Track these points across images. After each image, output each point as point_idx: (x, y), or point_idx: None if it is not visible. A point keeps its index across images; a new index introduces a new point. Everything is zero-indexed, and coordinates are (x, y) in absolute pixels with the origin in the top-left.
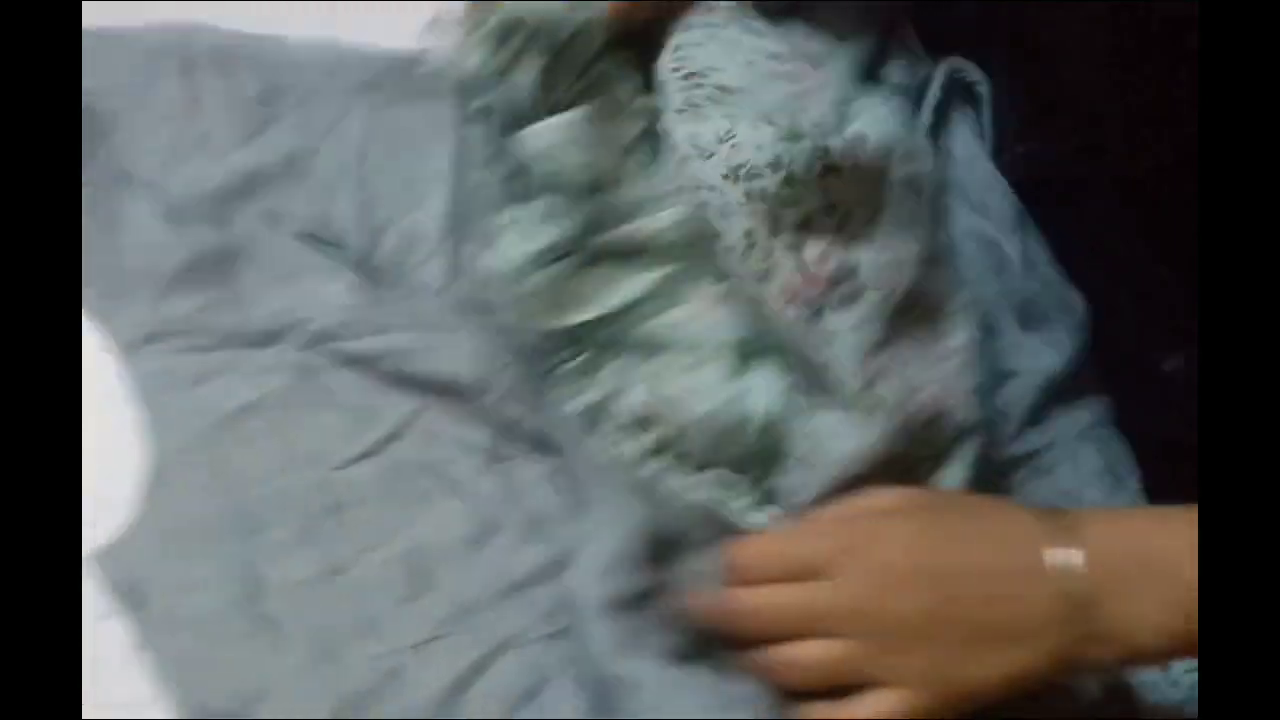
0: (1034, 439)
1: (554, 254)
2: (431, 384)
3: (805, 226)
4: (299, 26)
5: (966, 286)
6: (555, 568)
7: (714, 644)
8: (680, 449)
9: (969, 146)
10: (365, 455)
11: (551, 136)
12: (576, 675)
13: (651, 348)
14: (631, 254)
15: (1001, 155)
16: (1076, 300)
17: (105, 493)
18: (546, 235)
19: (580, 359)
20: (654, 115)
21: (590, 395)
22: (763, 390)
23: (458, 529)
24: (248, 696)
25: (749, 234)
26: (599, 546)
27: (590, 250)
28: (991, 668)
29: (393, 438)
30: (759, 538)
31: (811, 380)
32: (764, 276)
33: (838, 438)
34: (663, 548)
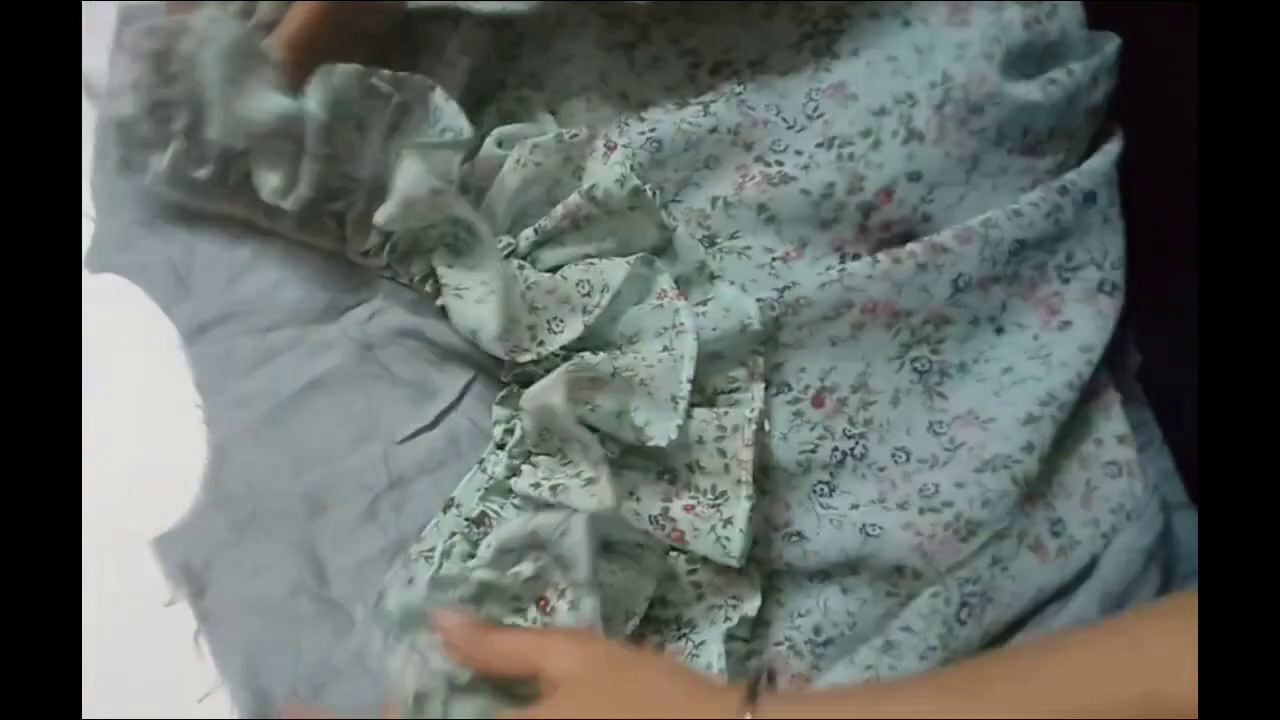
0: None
1: None
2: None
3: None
4: None
5: None
6: None
7: None
8: None
9: None
10: (425, 428)
11: None
12: None
13: None
14: None
15: None
16: None
17: (166, 478)
18: None
19: None
20: None
21: None
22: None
23: None
24: (311, 682)
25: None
26: None
27: None
28: None
29: (450, 408)
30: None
31: None
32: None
33: None
34: None
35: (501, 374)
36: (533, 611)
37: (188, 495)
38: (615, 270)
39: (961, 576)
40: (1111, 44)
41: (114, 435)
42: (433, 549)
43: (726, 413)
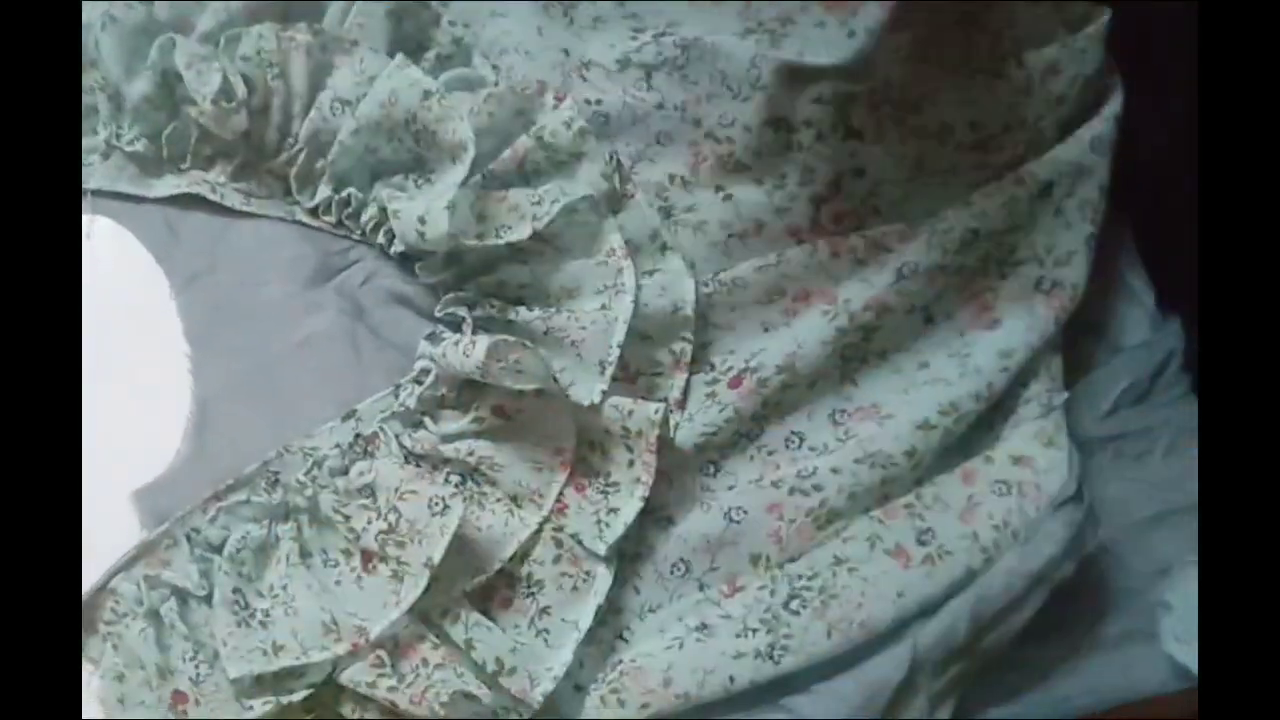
0: (1131, 420)
1: None
2: None
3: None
4: None
5: None
6: None
7: None
8: None
9: None
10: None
11: None
12: None
13: None
14: None
15: None
16: None
17: (151, 430)
18: None
19: None
20: None
21: None
22: None
23: None
24: None
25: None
26: None
27: None
28: None
29: None
30: None
31: None
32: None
33: None
34: None
35: (436, 309)
36: (355, 561)
37: (172, 447)
38: (570, 187)
39: (793, 571)
40: (1087, 28)
41: (107, 383)
42: (315, 448)
43: (631, 412)
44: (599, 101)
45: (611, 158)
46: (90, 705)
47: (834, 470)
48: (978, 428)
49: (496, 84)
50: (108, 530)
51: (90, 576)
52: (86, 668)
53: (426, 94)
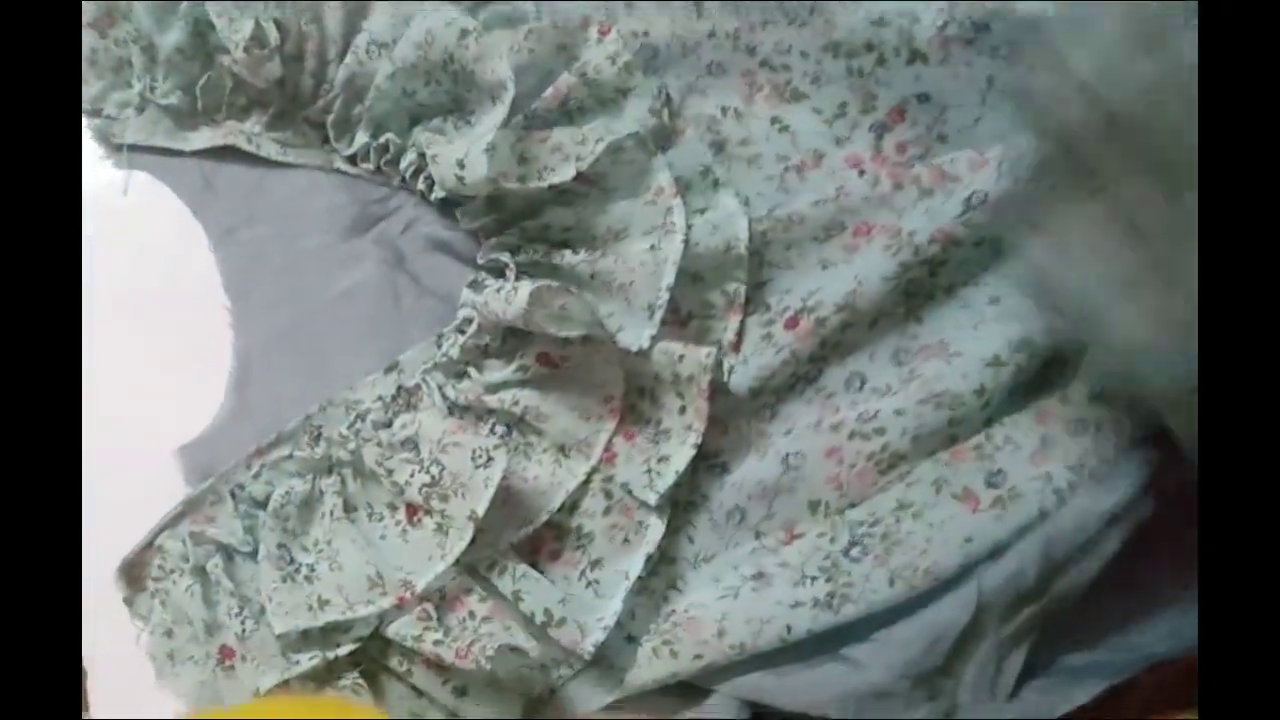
0: None
1: None
2: None
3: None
4: None
5: None
6: None
7: None
8: None
9: None
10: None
11: None
12: None
13: None
14: None
15: None
16: None
17: (192, 386)
18: None
19: None
20: None
21: None
22: None
23: None
24: None
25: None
26: None
27: None
28: None
29: None
30: None
31: None
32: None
33: None
34: None
35: (479, 255)
36: (399, 514)
37: (214, 402)
38: (616, 125)
39: (854, 518)
40: None
41: (147, 340)
42: (358, 401)
43: (682, 357)
44: (646, 33)
45: (660, 92)
46: (140, 661)
47: (897, 412)
48: (1052, 364)
49: (538, 19)
50: (153, 487)
51: (137, 534)
52: (136, 624)
53: (464, 33)
